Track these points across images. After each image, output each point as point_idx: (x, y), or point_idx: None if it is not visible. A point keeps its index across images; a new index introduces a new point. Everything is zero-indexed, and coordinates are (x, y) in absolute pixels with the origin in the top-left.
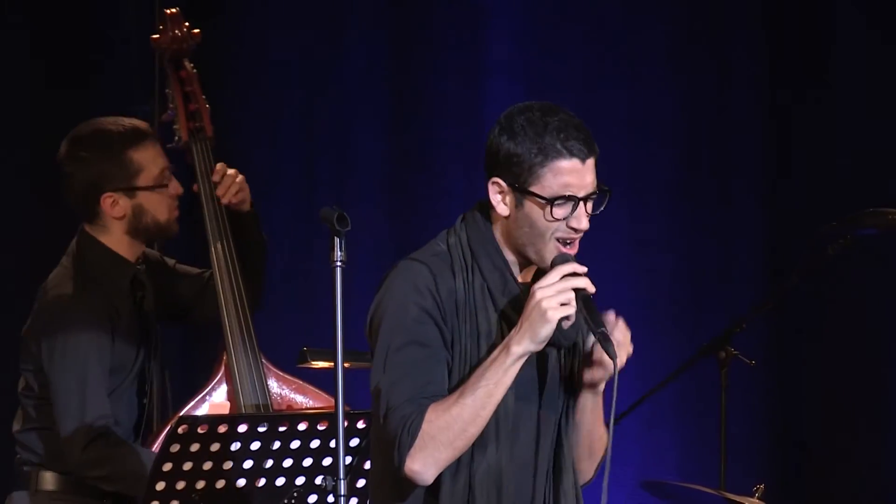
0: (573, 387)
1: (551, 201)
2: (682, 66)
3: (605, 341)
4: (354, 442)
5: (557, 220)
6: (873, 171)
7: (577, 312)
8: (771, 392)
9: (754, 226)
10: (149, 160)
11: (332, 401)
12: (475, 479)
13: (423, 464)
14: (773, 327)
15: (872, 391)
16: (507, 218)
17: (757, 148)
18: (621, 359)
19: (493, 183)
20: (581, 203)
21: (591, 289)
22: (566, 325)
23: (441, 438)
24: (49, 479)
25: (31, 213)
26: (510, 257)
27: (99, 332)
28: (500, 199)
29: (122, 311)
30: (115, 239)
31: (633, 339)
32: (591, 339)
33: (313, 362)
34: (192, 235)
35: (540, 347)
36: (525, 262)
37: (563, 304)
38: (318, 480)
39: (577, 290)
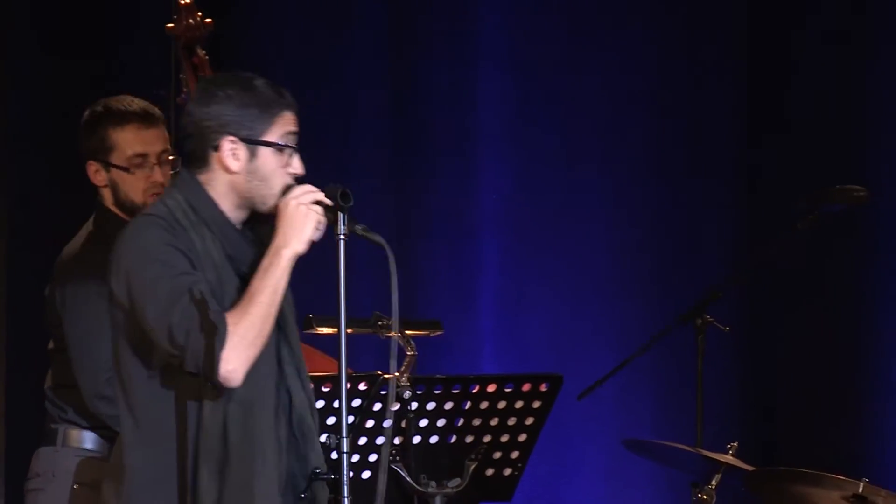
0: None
1: (283, 148)
2: (655, 40)
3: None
4: (356, 402)
5: (287, 166)
6: (839, 143)
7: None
8: (744, 357)
9: (726, 197)
10: (123, 141)
11: (335, 364)
12: (228, 413)
13: (237, 362)
14: (747, 296)
15: (841, 358)
16: (236, 174)
17: (728, 119)
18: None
19: (229, 141)
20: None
21: (329, 202)
22: (320, 230)
23: (248, 336)
24: (75, 436)
25: (50, 189)
26: (227, 212)
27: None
28: (233, 157)
29: None
30: (111, 204)
31: (611, 308)
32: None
33: (318, 328)
34: None
35: (305, 248)
36: (241, 216)
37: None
38: (323, 438)
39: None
